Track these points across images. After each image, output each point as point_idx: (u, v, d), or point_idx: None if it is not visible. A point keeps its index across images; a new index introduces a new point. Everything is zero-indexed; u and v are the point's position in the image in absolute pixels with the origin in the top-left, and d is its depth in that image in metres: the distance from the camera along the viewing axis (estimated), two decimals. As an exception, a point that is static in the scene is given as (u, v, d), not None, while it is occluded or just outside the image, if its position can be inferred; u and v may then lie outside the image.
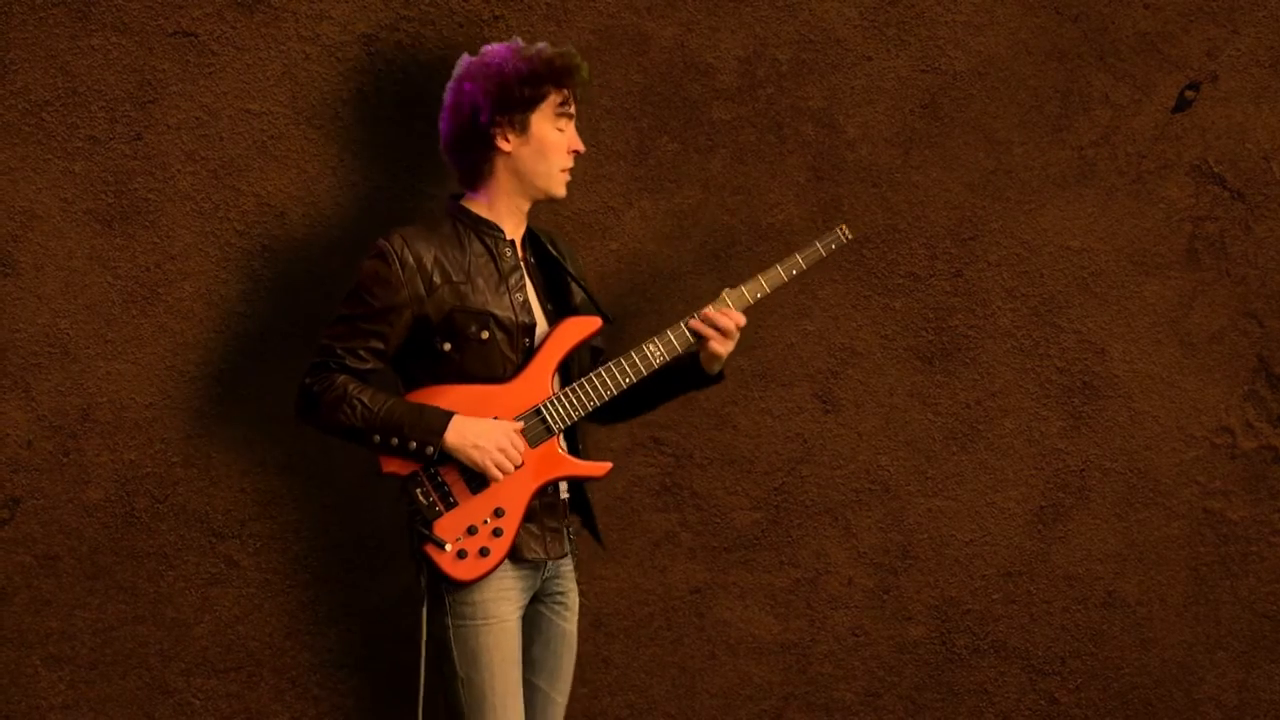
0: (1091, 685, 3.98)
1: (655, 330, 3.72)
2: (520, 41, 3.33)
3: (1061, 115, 3.90)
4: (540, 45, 3.31)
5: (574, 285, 3.45)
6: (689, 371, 3.42)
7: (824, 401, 3.90)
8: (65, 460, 3.71)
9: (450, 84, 3.33)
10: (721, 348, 3.36)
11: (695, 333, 3.34)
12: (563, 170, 3.34)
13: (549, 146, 3.31)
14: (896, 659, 3.94)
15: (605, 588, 3.84)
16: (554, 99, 3.30)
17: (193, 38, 3.69)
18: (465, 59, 3.33)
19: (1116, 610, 3.98)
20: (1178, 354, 3.95)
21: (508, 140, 3.29)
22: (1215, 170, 3.93)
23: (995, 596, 3.95)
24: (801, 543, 3.91)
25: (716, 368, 3.41)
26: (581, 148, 3.36)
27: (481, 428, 3.21)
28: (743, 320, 3.36)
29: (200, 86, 3.69)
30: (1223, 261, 3.94)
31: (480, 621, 3.22)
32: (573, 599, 3.41)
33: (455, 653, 3.23)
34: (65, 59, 3.66)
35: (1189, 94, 3.92)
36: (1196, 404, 3.96)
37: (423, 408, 3.22)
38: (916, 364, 3.91)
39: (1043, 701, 3.97)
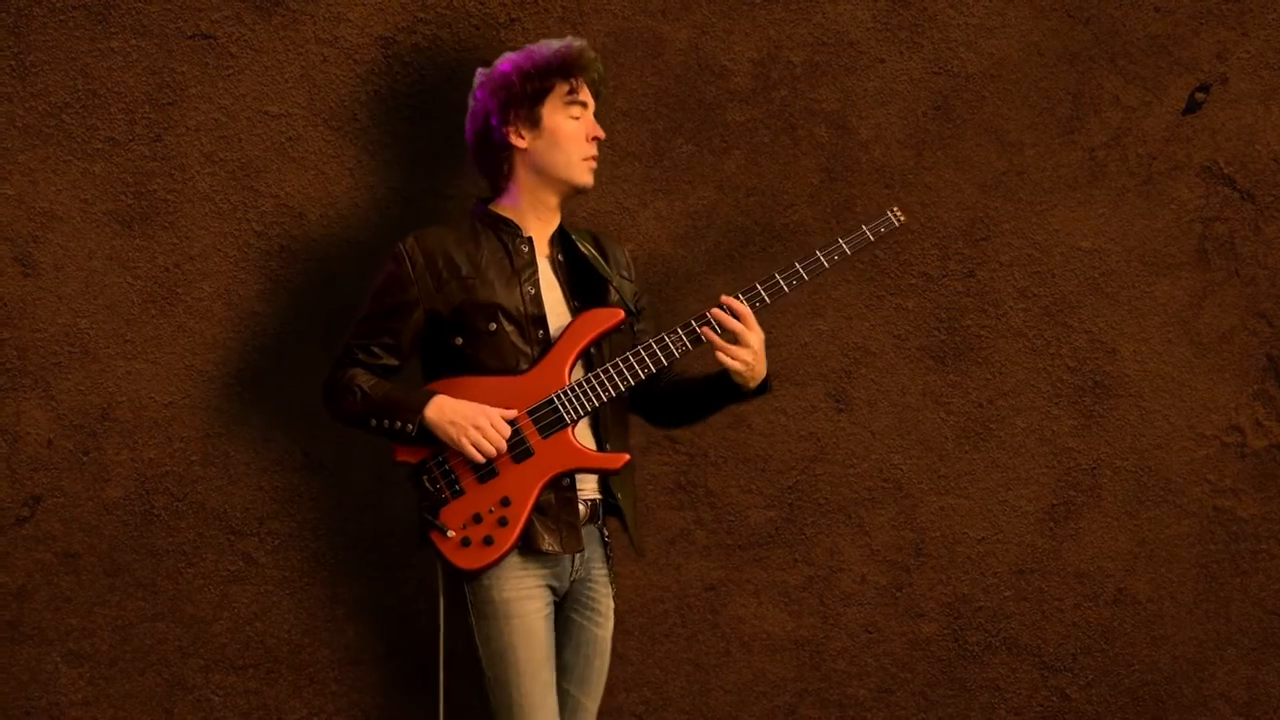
0: (1102, 682, 4.00)
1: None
2: (529, 46, 3.36)
3: (1073, 117, 3.92)
4: (544, 41, 3.35)
5: (611, 286, 3.39)
6: (722, 383, 3.31)
7: (837, 400, 3.92)
8: (85, 459, 3.74)
9: (469, 98, 3.38)
10: (734, 362, 3.24)
11: (703, 338, 3.23)
12: (584, 159, 3.32)
13: (564, 136, 3.31)
14: (909, 655, 3.97)
15: (621, 585, 3.85)
16: (561, 89, 3.30)
17: (211, 40, 3.71)
18: (479, 72, 3.37)
19: (1127, 607, 4.00)
20: (1188, 353, 3.97)
21: (521, 137, 3.31)
22: (1225, 171, 3.95)
23: (1007, 594, 3.98)
24: (815, 540, 3.93)
25: (744, 381, 3.28)
26: (601, 134, 3.34)
27: (459, 406, 3.22)
28: (749, 330, 3.23)
29: (219, 88, 3.72)
30: (1232, 262, 3.97)
31: (504, 621, 3.21)
32: (606, 605, 3.37)
33: (481, 653, 3.22)
34: (85, 61, 3.69)
35: (1199, 96, 3.94)
36: (1207, 403, 3.98)
37: (410, 390, 3.25)
38: (929, 363, 3.94)
39: (1054, 698, 3.99)
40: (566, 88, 3.31)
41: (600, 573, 3.37)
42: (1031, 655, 3.98)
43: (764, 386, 3.33)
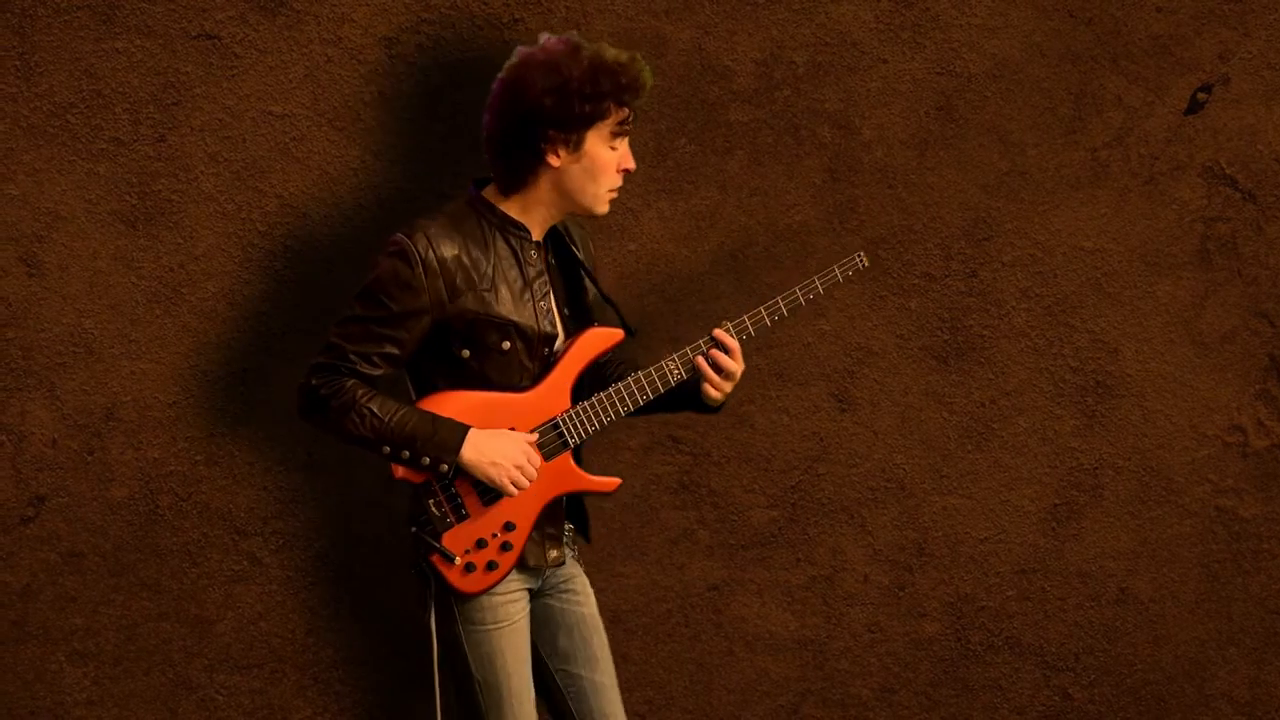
0: (1104, 681, 4.01)
1: (671, 331, 3.76)
2: (580, 40, 3.12)
3: (1075, 117, 3.92)
4: (605, 50, 3.11)
5: (587, 282, 3.32)
6: (690, 397, 3.30)
7: (840, 400, 3.93)
8: (90, 459, 3.75)
9: (504, 76, 3.13)
10: (716, 392, 3.25)
11: (696, 369, 3.23)
12: (610, 190, 3.17)
13: (600, 166, 3.13)
14: (912, 655, 3.97)
15: (623, 584, 3.87)
16: (615, 117, 3.11)
17: (216, 40, 3.72)
18: (523, 51, 3.13)
19: (1129, 607, 4.00)
20: (1190, 353, 3.97)
21: (558, 156, 3.11)
22: (1227, 172, 3.96)
23: (1009, 593, 3.98)
24: (818, 540, 3.94)
25: (712, 403, 3.30)
26: (632, 165, 3.18)
27: (498, 444, 3.12)
28: (737, 365, 3.25)
29: (223, 89, 3.72)
30: (1234, 262, 3.97)
31: (492, 626, 3.18)
32: (581, 584, 3.33)
33: (469, 657, 3.18)
34: (90, 61, 3.69)
35: (1201, 96, 3.95)
36: (1208, 403, 3.98)
37: (436, 420, 3.10)
38: (932, 363, 3.94)
39: (1056, 698, 4.00)
40: (621, 116, 3.13)
41: (568, 556, 3.33)
42: (1034, 655, 3.99)
43: (722, 405, 3.35)
